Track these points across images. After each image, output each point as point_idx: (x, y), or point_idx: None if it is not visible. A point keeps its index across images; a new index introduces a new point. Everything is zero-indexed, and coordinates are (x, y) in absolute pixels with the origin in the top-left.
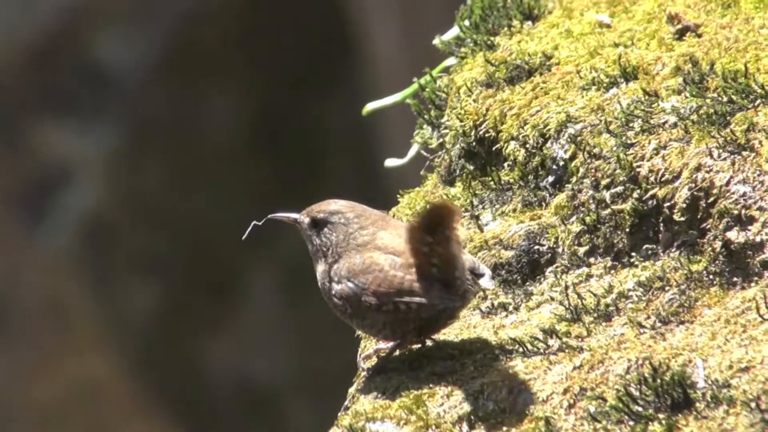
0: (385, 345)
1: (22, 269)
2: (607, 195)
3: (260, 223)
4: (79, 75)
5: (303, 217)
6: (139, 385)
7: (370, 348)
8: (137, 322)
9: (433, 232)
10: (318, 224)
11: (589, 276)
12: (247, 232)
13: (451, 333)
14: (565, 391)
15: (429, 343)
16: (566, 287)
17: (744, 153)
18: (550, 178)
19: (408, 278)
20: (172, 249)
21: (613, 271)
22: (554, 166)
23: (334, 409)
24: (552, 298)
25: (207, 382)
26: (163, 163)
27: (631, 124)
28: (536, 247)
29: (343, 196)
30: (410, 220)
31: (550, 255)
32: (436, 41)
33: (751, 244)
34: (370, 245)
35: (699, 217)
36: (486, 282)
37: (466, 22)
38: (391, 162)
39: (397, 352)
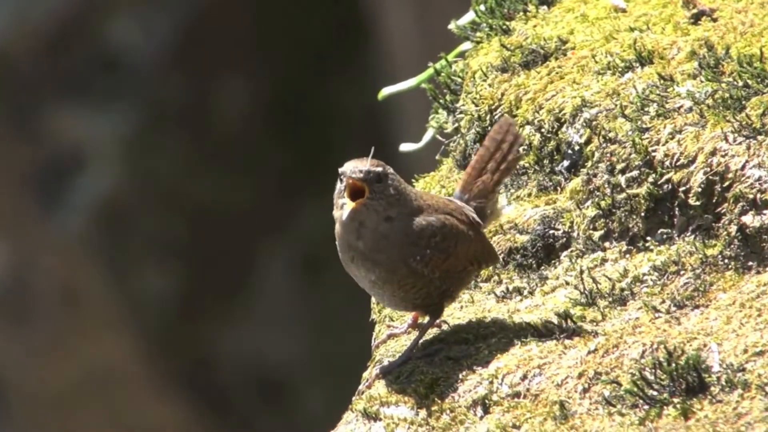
0: (399, 330)
1: (37, 253)
2: (622, 179)
3: None
4: (93, 60)
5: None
6: (153, 368)
7: (384, 333)
8: (152, 306)
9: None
10: (382, 179)
11: (604, 260)
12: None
13: (465, 317)
14: (580, 376)
15: (445, 327)
16: (581, 271)
17: (759, 137)
18: (566, 163)
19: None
20: (187, 233)
21: (628, 256)
22: (569, 151)
23: (349, 393)
24: (567, 283)
25: (221, 366)
26: (177, 147)
27: (646, 109)
28: (551, 231)
29: None
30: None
31: (565, 239)
32: (451, 26)
33: (766, 228)
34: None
35: (714, 201)
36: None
37: (482, 7)
38: (406, 147)
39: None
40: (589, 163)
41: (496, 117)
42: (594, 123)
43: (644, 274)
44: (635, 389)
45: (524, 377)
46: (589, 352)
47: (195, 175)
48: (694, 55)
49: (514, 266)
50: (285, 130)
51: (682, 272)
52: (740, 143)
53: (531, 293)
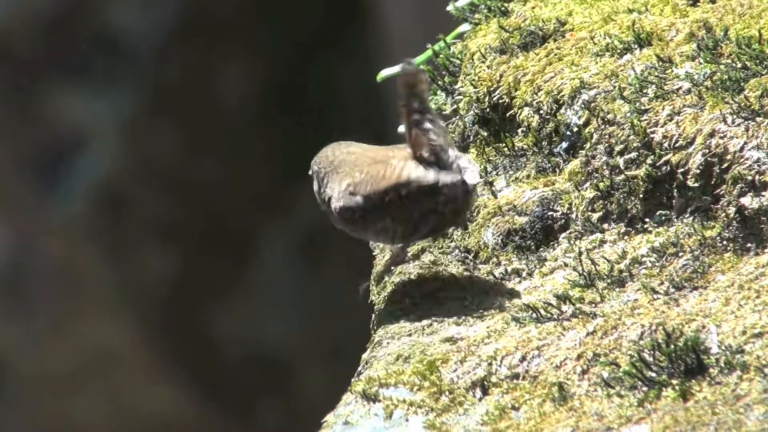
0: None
1: (36, 236)
2: (620, 161)
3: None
4: (93, 41)
5: None
6: (152, 351)
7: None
8: (151, 289)
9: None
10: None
11: (602, 242)
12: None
13: (464, 299)
14: (579, 357)
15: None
16: (580, 253)
17: (758, 119)
18: (564, 144)
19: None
20: (186, 216)
21: (626, 237)
22: (568, 132)
23: (347, 375)
24: (565, 264)
25: (220, 349)
26: (177, 130)
27: (644, 91)
28: (550, 213)
29: None
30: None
31: (563, 221)
32: (450, 7)
33: (764, 209)
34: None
35: (713, 182)
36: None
37: None
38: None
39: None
40: (588, 145)
41: (495, 98)
42: (592, 105)
43: (643, 256)
44: (634, 371)
45: (523, 359)
46: (587, 334)
47: (194, 157)
48: (693, 36)
49: (513, 248)
50: (284, 113)
51: (680, 254)
52: (739, 125)
53: (530, 275)
